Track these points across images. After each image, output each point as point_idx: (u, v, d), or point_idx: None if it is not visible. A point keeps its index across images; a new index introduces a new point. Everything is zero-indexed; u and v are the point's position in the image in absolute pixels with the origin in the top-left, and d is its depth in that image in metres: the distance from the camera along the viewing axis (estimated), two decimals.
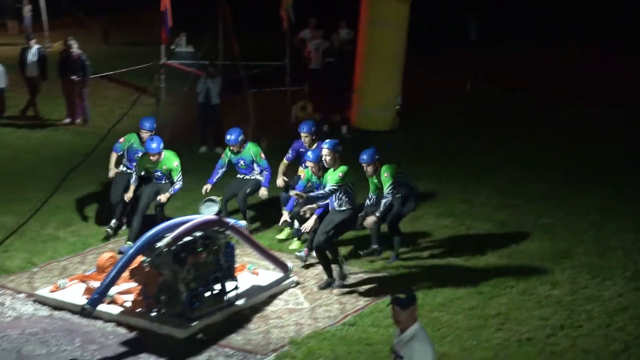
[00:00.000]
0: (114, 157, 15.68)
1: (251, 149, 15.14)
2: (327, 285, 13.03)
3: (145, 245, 11.81)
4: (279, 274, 13.23)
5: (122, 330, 11.66)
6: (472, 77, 27.31)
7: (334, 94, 22.51)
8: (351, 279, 13.23)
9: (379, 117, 22.45)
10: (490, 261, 14.10)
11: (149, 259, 11.87)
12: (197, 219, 12.10)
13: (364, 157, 13.85)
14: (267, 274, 13.24)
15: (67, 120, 23.53)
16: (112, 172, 15.53)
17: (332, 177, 13.09)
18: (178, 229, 11.86)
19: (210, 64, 21.47)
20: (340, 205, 13.07)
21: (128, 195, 14.79)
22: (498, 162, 19.92)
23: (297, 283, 13.17)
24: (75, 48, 22.99)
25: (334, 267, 13.07)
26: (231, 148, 15.09)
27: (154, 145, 14.47)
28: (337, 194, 13.01)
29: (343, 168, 13.11)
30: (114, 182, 15.43)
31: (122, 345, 11.28)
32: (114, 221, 15.16)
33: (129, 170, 15.32)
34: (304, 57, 25.39)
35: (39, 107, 24.08)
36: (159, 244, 11.72)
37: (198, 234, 11.99)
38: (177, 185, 14.62)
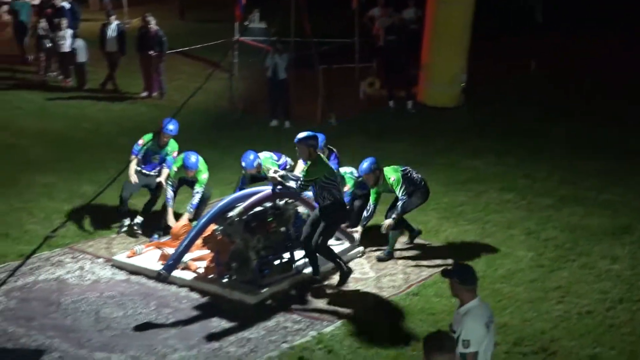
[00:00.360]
0: (134, 161, 14.20)
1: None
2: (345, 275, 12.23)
3: (217, 214, 11.93)
4: (345, 245, 13.28)
5: (195, 295, 11.79)
6: (536, 58, 26.98)
7: (400, 71, 22.41)
8: (416, 250, 13.24)
9: (445, 93, 22.31)
10: (551, 235, 13.97)
11: (222, 227, 12.02)
12: (267, 190, 12.18)
13: (362, 168, 13.14)
14: (334, 245, 13.26)
15: (145, 94, 23.74)
16: (133, 177, 14.06)
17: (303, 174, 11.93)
18: (249, 199, 11.95)
19: (279, 40, 21.51)
20: (324, 201, 11.77)
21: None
22: (559, 140, 19.64)
23: (363, 253, 13.19)
24: (152, 24, 23.12)
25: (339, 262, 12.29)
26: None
27: (192, 160, 13.43)
28: (318, 190, 11.75)
29: (310, 164, 11.82)
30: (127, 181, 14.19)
31: (194, 310, 11.41)
32: (127, 220, 14.07)
33: (145, 172, 14.26)
34: (372, 34, 25.29)
35: (117, 81, 24.32)
36: (231, 214, 11.85)
37: (268, 204, 12.08)
38: (195, 200, 13.45)
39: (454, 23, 21.95)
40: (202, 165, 13.62)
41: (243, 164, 13.82)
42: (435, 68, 22.17)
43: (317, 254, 12.11)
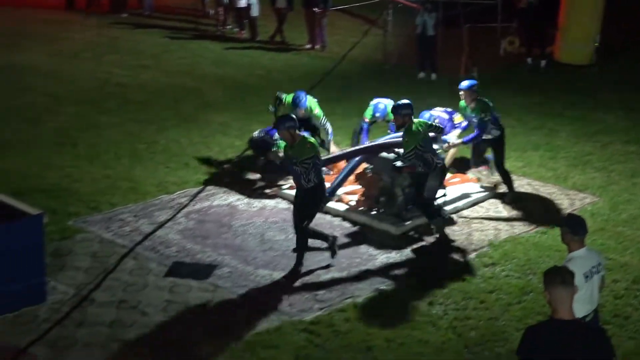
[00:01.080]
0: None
1: None
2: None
3: (366, 152, 12.04)
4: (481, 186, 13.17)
5: (346, 224, 11.89)
6: None
7: (538, 31, 21.95)
8: (546, 194, 13.02)
9: (579, 51, 21.76)
10: None
11: (372, 166, 12.07)
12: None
13: (464, 85, 12.67)
14: (471, 186, 13.16)
15: (308, 46, 23.81)
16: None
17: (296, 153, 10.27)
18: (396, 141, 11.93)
19: (429, 1, 21.27)
20: (307, 182, 10.26)
21: None
22: None
23: (497, 194, 13.02)
24: None
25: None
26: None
27: (302, 100, 13.34)
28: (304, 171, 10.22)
29: (306, 140, 10.38)
30: None
31: (346, 237, 11.51)
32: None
33: None
34: None
35: (285, 34, 24.48)
36: (381, 155, 11.93)
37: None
38: (329, 129, 13.48)
39: None
40: (310, 102, 13.58)
41: (377, 114, 13.56)
42: (571, 27, 21.62)
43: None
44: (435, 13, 20.90)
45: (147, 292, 9.83)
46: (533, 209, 12.55)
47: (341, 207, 12.28)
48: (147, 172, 13.58)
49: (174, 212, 11.42)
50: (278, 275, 10.34)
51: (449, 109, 13.80)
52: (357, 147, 12.70)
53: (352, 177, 12.52)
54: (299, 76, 20.36)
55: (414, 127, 11.18)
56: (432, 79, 20.23)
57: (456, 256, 11.02)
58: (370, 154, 12.26)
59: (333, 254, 10.72)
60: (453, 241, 11.46)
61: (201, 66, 21.45)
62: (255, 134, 13.59)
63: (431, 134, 11.65)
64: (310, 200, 10.46)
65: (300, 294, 9.93)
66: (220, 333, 9.05)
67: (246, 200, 12.65)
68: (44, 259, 9.58)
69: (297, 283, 10.18)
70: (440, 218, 11.59)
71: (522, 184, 13.44)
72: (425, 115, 13.11)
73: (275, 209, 12.41)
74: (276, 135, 12.04)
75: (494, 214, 12.38)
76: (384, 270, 10.57)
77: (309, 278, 10.31)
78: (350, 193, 12.57)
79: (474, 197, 12.82)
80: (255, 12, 24.56)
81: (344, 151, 12.71)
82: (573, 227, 7.43)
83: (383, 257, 10.91)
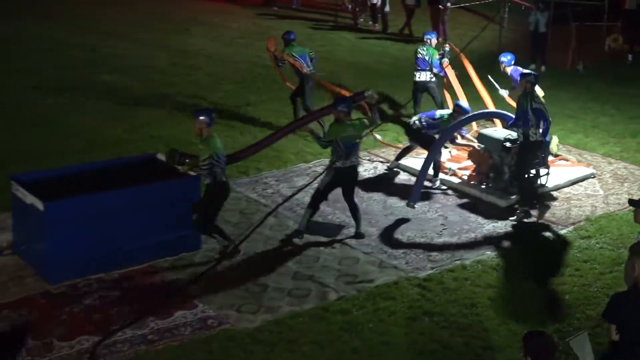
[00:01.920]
0: None
1: None
2: None
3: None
4: (581, 167, 12.83)
5: (458, 198, 11.80)
6: None
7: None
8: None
9: None
10: None
11: (484, 145, 11.91)
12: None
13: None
14: (575, 167, 12.84)
15: None
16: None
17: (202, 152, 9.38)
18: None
19: (541, 0, 20.75)
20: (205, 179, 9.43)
21: None
22: None
23: (594, 175, 12.65)
24: None
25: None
26: None
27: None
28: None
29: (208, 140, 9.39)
30: None
31: (457, 207, 11.45)
32: None
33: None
34: None
35: (412, 28, 24.28)
36: (493, 135, 11.79)
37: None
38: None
39: None
40: None
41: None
42: None
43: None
44: (547, 12, 20.41)
45: (285, 247, 10.01)
46: (629, 189, 12.15)
47: (455, 180, 12.19)
48: (289, 143, 13.72)
49: (310, 179, 11.54)
50: (397, 236, 10.36)
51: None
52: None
53: (464, 154, 12.42)
54: None
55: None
56: (541, 71, 19.75)
57: (555, 228, 10.78)
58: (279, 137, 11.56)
59: (222, 254, 9.58)
60: (553, 214, 11.22)
61: (338, 53, 21.48)
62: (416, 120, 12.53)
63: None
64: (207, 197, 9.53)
65: (415, 254, 9.93)
66: (348, 281, 9.15)
67: (372, 170, 12.67)
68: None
69: (414, 245, 10.17)
70: (526, 211, 11.11)
71: (618, 167, 13.05)
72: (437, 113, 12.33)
73: (398, 178, 12.40)
74: (437, 115, 12.10)
75: (591, 192, 12.05)
76: (490, 238, 10.45)
77: (423, 240, 10.29)
78: (463, 169, 12.44)
79: (574, 176, 12.50)
80: (387, 7, 24.51)
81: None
82: None
83: (490, 226, 10.79)
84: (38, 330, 7.97)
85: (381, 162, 13.08)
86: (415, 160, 12.67)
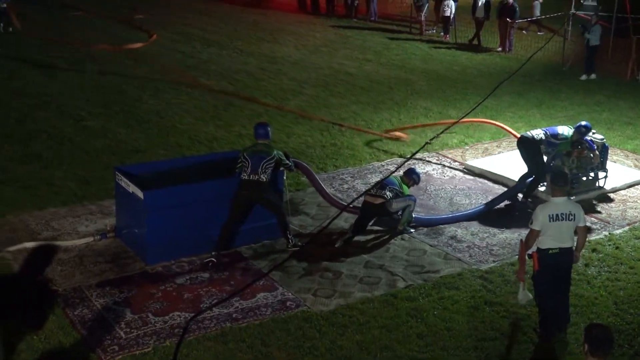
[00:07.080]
0: None
1: None
2: None
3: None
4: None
5: (520, 196, 11.44)
6: None
7: None
8: None
9: None
10: None
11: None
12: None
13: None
14: (632, 171, 12.39)
15: (499, 49, 23.13)
16: None
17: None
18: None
19: (595, 14, 20.15)
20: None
21: None
22: None
23: None
24: None
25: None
26: None
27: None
28: None
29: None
30: None
31: (520, 205, 11.15)
32: None
33: None
34: None
35: (481, 38, 23.91)
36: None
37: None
38: None
39: None
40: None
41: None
42: None
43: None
44: (599, 25, 19.75)
45: (356, 237, 9.93)
46: None
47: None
48: (364, 142, 13.66)
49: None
50: (462, 232, 10.17)
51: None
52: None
53: None
54: (490, 73, 19.88)
55: None
56: (591, 78, 19.28)
57: (611, 228, 10.41)
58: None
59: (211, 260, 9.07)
60: (609, 215, 10.84)
61: (412, 61, 21.29)
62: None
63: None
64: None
65: (478, 247, 9.72)
66: (415, 271, 9.02)
67: (440, 170, 12.49)
68: (283, 203, 9.85)
69: (477, 239, 9.96)
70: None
71: None
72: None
73: (463, 178, 12.19)
74: (559, 131, 11.12)
75: None
76: None
77: (486, 236, 10.07)
78: None
79: (631, 179, 12.07)
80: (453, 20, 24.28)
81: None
82: (555, 179, 7.55)
83: None
84: (136, 306, 8.09)
85: (449, 161, 12.87)
86: (482, 160, 12.42)
